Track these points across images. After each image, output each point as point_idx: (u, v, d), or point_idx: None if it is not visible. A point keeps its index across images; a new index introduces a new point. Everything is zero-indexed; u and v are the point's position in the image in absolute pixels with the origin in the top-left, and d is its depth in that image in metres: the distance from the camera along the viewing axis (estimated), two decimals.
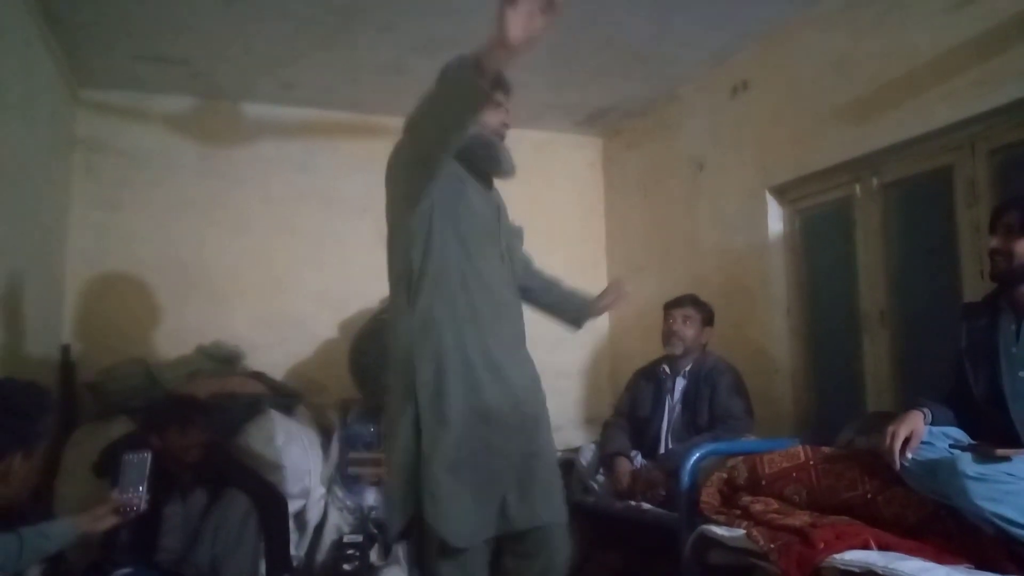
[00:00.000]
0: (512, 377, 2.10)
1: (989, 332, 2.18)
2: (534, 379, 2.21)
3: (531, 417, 2.13)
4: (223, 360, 3.82)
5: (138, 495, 2.12)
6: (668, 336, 3.38)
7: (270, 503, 2.98)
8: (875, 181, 3.17)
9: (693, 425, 3.22)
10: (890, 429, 2.10)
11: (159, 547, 2.78)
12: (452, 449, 1.99)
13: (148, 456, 2.19)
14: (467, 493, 1.98)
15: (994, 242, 2.17)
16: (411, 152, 2.04)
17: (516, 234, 2.34)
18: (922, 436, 2.08)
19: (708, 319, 3.43)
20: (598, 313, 2.60)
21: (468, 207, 2.14)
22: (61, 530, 2.09)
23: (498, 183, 2.32)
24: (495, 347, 2.09)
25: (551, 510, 2.11)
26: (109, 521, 2.12)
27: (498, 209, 2.26)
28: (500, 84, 2.17)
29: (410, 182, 2.07)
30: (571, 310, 2.58)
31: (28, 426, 2.03)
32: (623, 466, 3.22)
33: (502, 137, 2.25)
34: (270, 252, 4.28)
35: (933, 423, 2.12)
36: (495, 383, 2.06)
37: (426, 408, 2.00)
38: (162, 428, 2.80)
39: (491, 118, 2.21)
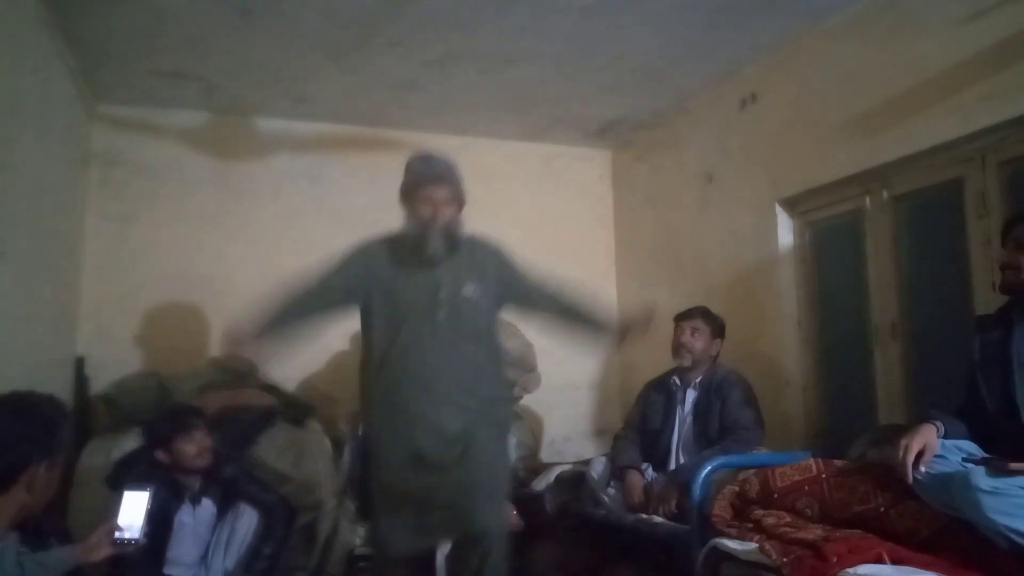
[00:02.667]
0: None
1: (1002, 345, 2.17)
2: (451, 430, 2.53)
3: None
4: (235, 373, 3.83)
5: (133, 532, 2.14)
6: (677, 348, 3.38)
7: (279, 513, 2.98)
8: (885, 194, 3.17)
9: (704, 437, 3.21)
10: (903, 443, 2.10)
11: (169, 559, 2.79)
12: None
13: (148, 493, 2.21)
14: None
15: (1005, 256, 2.17)
16: None
17: (466, 299, 2.58)
18: (935, 450, 2.07)
19: (718, 331, 3.42)
20: (626, 340, 2.80)
21: (389, 296, 2.58)
22: (59, 559, 2.12)
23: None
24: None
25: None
26: (103, 552, 2.14)
27: (435, 284, 2.56)
28: (427, 178, 2.56)
29: None
30: (587, 337, 2.81)
31: (51, 437, 2.07)
32: (635, 479, 3.21)
33: (431, 226, 2.53)
34: (283, 265, 4.27)
35: (946, 436, 2.12)
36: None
37: None
38: (168, 441, 2.82)
39: (421, 211, 2.55)
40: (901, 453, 2.08)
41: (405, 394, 2.55)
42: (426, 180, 2.57)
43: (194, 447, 2.82)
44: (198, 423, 2.88)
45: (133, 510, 2.17)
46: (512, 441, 3.51)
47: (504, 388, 2.87)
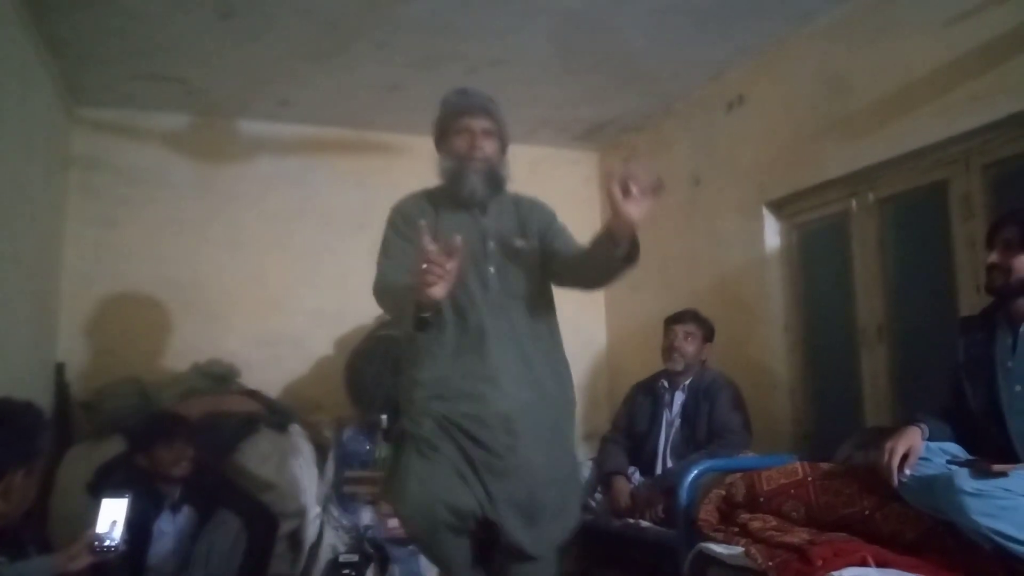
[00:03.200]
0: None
1: (986, 346, 2.17)
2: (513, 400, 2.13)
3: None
4: (218, 378, 3.81)
5: (112, 539, 2.12)
6: (669, 351, 3.37)
7: (260, 522, 2.95)
8: (871, 196, 3.17)
9: (692, 440, 3.20)
10: (888, 445, 2.09)
11: (149, 567, 2.75)
12: None
13: (127, 500, 2.19)
14: None
15: (992, 256, 2.16)
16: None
17: (517, 252, 2.24)
18: (920, 452, 2.06)
19: (709, 335, 3.42)
20: (624, 225, 1.93)
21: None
22: (38, 568, 2.11)
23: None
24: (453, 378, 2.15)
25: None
26: (84, 560, 2.12)
27: (482, 234, 2.22)
28: (464, 108, 2.23)
29: None
30: (601, 250, 2.08)
31: (29, 443, 2.09)
32: (621, 485, 3.20)
33: (470, 160, 2.19)
34: (266, 269, 4.27)
35: (931, 439, 2.11)
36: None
37: None
38: (148, 447, 2.80)
39: (457, 144, 2.22)
40: (886, 456, 2.07)
41: (458, 362, 2.14)
42: (462, 110, 2.22)
43: (173, 454, 2.79)
44: (180, 431, 2.86)
45: (112, 517, 2.16)
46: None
47: (564, 366, 2.36)
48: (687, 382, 3.33)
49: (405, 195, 2.35)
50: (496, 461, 2.08)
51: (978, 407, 2.15)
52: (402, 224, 2.26)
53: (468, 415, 2.10)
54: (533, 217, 2.31)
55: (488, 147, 2.22)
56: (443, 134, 2.26)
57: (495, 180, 2.23)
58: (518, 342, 2.19)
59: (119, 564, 2.67)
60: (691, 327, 3.37)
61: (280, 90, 3.94)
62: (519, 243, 2.24)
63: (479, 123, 2.21)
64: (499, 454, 2.09)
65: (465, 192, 2.20)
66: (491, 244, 2.22)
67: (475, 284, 2.17)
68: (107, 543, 2.12)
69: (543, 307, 2.28)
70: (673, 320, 3.42)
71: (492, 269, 2.20)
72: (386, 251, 2.27)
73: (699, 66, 3.76)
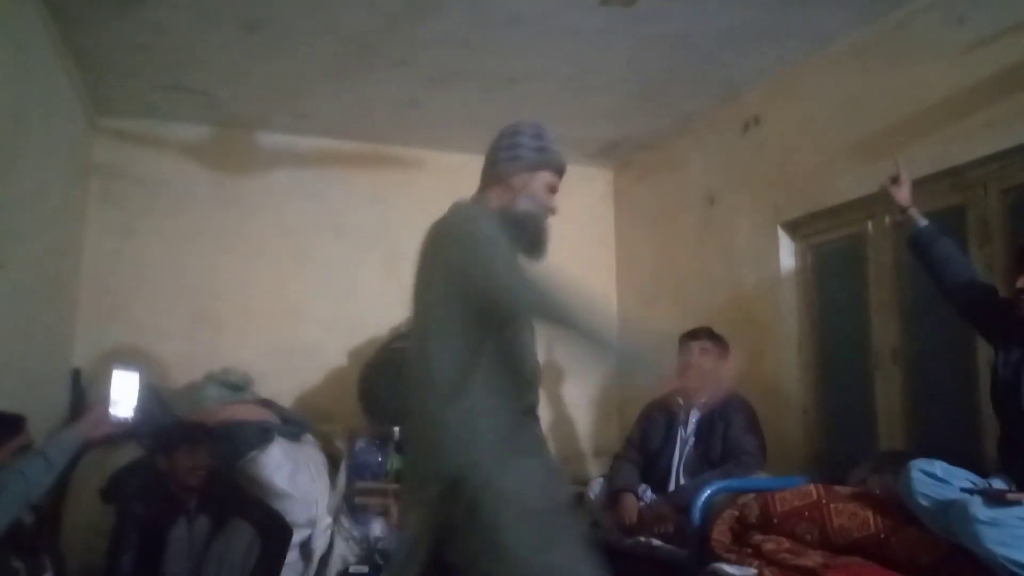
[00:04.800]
0: None
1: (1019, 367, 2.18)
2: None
3: None
4: (232, 387, 3.82)
5: (126, 410, 2.25)
6: (685, 368, 3.35)
7: (274, 531, 2.96)
8: (887, 219, 3.17)
9: (706, 459, 3.19)
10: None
11: (162, 574, 2.76)
12: None
13: (138, 374, 2.31)
14: None
15: (1021, 281, 2.16)
16: (492, 306, 1.89)
17: None
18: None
19: (723, 352, 3.40)
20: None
21: None
22: (68, 436, 2.24)
23: None
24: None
25: None
26: (105, 428, 2.26)
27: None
28: (560, 165, 2.10)
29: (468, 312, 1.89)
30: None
31: None
32: (629, 502, 3.19)
33: (546, 218, 2.08)
34: (282, 280, 4.30)
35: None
36: None
37: None
38: (171, 449, 2.82)
39: (546, 197, 2.08)
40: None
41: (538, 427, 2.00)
42: (558, 167, 2.10)
43: (193, 462, 2.81)
44: (204, 440, 2.88)
45: (124, 390, 2.22)
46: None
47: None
48: (703, 401, 3.32)
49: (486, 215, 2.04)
50: None
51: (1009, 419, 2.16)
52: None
53: None
54: None
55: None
56: (528, 172, 2.06)
57: None
58: None
59: (131, 569, 2.70)
60: (706, 343, 3.37)
61: (300, 104, 3.98)
62: None
63: (559, 185, 2.11)
64: None
65: (545, 246, 2.06)
66: None
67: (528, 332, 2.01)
68: (120, 414, 2.25)
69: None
70: (689, 336, 3.42)
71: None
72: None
73: (715, 87, 3.77)
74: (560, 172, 2.10)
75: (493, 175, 2.08)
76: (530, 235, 2.02)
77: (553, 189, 2.08)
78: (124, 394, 2.27)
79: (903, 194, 2.57)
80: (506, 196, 2.03)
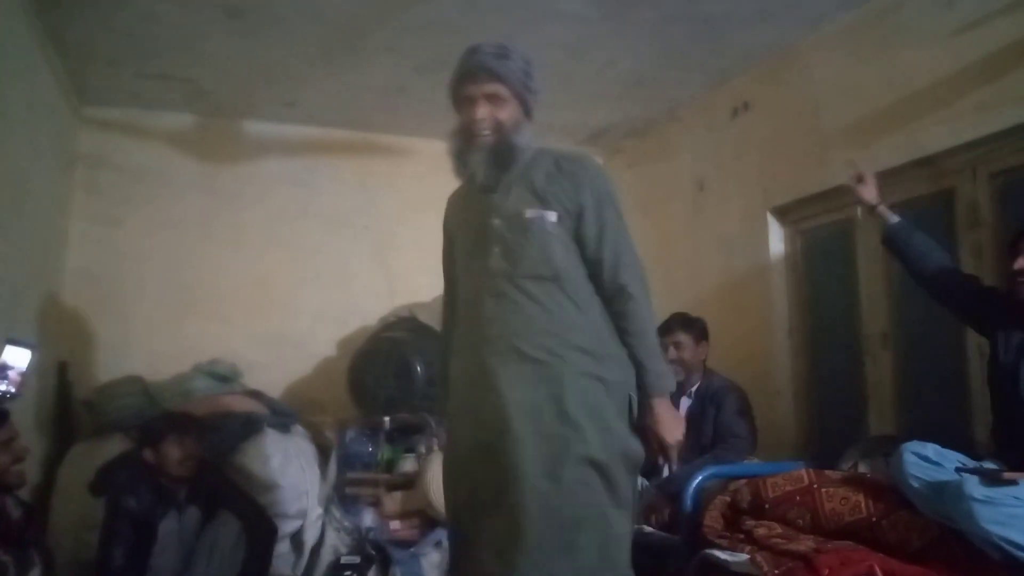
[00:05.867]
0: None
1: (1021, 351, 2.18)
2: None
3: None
4: (220, 378, 3.80)
5: (9, 385, 2.23)
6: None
7: (260, 528, 2.94)
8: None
9: (697, 445, 3.19)
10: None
11: (152, 567, 2.74)
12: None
13: (31, 352, 2.30)
14: None
15: (1020, 263, 2.16)
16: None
17: (526, 225, 1.96)
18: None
19: (701, 335, 3.34)
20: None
21: (455, 226, 2.13)
22: None
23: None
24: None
25: None
26: None
27: (488, 211, 1.97)
28: (464, 72, 1.95)
29: None
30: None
31: None
32: None
33: (472, 134, 1.94)
34: (270, 269, 4.27)
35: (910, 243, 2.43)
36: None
37: None
38: (158, 440, 2.79)
39: (462, 116, 1.97)
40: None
41: (459, 363, 2.00)
42: (463, 74, 1.93)
43: (182, 452, 2.79)
44: (192, 430, 2.87)
45: (12, 363, 2.20)
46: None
47: (568, 348, 1.92)
48: (694, 388, 3.32)
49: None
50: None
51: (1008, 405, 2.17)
52: (445, 221, 2.18)
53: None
54: (569, 184, 1.98)
55: (490, 113, 1.93)
56: (454, 105, 1.99)
57: (502, 154, 1.94)
58: (515, 334, 1.91)
59: (123, 568, 2.68)
60: (679, 336, 3.28)
61: (286, 91, 3.94)
62: (529, 213, 1.94)
63: (482, 88, 1.92)
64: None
65: (467, 172, 1.95)
66: (496, 222, 1.96)
67: (479, 270, 1.97)
68: (2, 388, 2.19)
69: (568, 286, 1.96)
70: (661, 333, 3.35)
71: (496, 250, 1.95)
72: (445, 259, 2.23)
73: (704, 72, 3.76)
74: (466, 75, 1.97)
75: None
76: (456, 171, 2.03)
77: (470, 99, 1.97)
78: (10, 368, 2.20)
79: (870, 192, 2.57)
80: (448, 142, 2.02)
